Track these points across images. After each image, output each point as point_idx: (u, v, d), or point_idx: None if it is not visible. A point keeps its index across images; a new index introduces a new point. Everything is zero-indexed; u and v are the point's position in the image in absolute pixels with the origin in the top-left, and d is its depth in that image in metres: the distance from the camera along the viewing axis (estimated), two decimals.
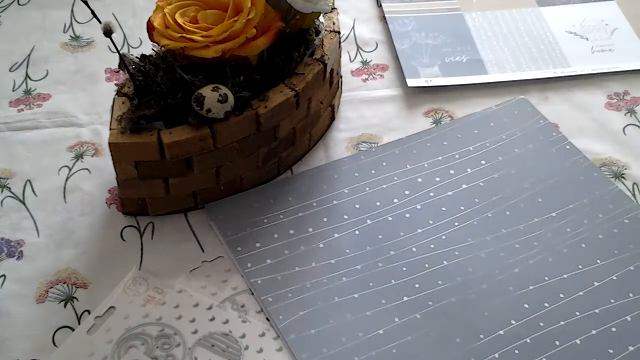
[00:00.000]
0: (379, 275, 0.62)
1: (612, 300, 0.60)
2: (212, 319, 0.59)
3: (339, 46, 0.73)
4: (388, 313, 0.59)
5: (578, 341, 0.57)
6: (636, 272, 0.62)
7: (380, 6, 0.90)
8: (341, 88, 0.78)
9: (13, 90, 0.78)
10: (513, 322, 0.59)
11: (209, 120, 0.61)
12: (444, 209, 0.67)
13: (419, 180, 0.69)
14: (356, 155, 0.72)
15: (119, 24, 0.86)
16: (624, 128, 0.75)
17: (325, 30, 0.70)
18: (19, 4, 0.89)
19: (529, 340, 0.57)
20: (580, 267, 0.62)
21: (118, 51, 0.61)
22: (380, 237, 0.64)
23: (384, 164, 0.71)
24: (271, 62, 0.65)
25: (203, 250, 0.64)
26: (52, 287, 0.61)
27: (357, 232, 0.65)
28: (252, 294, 0.61)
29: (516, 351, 0.57)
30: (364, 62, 0.83)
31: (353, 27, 0.88)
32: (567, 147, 0.72)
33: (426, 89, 0.79)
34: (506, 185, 0.69)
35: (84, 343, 0.57)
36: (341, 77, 0.78)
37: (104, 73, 0.81)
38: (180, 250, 0.64)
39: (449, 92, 0.79)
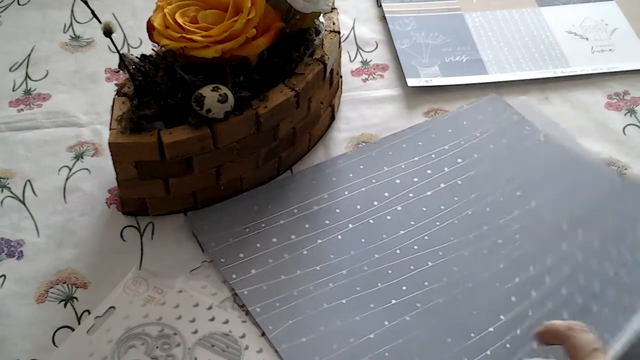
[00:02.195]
0: (365, 279, 0.61)
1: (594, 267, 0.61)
2: (212, 319, 0.59)
3: (339, 46, 0.73)
4: (377, 317, 0.59)
5: (565, 315, 0.58)
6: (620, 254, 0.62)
7: (380, 6, 0.90)
8: (341, 88, 0.78)
9: (13, 90, 0.78)
10: (502, 317, 0.59)
11: (209, 120, 0.61)
12: (424, 209, 0.67)
13: (397, 181, 0.69)
14: (334, 159, 0.71)
15: (119, 24, 0.86)
16: (624, 128, 0.75)
17: (325, 30, 0.70)
18: (19, 4, 0.89)
19: (519, 332, 0.58)
20: (563, 247, 0.63)
21: (118, 51, 0.61)
22: (363, 240, 0.64)
23: (361, 167, 0.70)
24: (271, 62, 0.65)
25: (203, 250, 0.64)
26: (52, 287, 0.61)
27: (340, 237, 0.64)
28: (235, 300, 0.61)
29: (507, 345, 0.57)
30: (364, 62, 0.83)
31: (353, 27, 0.88)
32: (541, 139, 0.72)
33: (426, 89, 0.79)
34: (484, 182, 0.69)
35: (84, 343, 0.57)
36: (341, 77, 0.78)
37: (104, 73, 0.81)
38: (180, 250, 0.64)
39: (449, 92, 0.79)
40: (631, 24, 0.86)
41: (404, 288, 0.61)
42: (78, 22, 0.87)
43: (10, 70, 0.81)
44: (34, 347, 0.57)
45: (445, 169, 0.70)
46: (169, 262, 0.63)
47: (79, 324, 0.59)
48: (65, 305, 0.60)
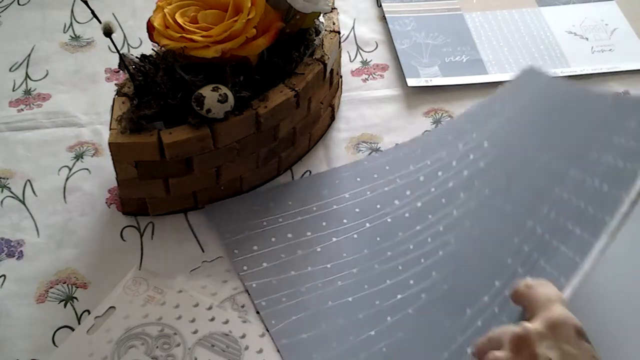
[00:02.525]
0: (374, 277, 0.61)
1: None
2: (212, 319, 0.59)
3: (339, 46, 0.73)
4: (381, 313, 0.59)
5: (557, 274, 0.56)
6: None
7: (380, 6, 0.90)
8: (341, 88, 0.78)
9: (13, 90, 0.78)
10: (497, 283, 0.58)
11: (209, 120, 0.61)
12: (443, 200, 0.66)
13: (421, 179, 0.69)
14: (359, 161, 0.71)
15: (119, 24, 0.86)
16: None
17: (325, 30, 0.70)
18: (19, 4, 0.89)
19: (507, 293, 0.57)
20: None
21: (118, 51, 0.61)
22: (378, 239, 0.64)
23: (387, 167, 0.70)
24: (271, 62, 0.65)
25: (203, 251, 0.64)
26: (52, 287, 0.61)
27: (355, 236, 0.65)
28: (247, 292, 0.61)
29: (496, 309, 0.56)
30: (364, 62, 0.83)
31: (353, 27, 0.88)
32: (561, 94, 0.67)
33: (426, 89, 0.79)
34: (506, 168, 0.66)
35: (84, 343, 0.57)
36: (341, 77, 0.78)
37: (104, 73, 0.81)
38: (180, 250, 0.64)
39: (449, 92, 0.79)
40: (631, 24, 0.86)
41: (411, 282, 0.61)
42: (78, 22, 0.87)
43: (10, 70, 0.81)
44: (34, 347, 0.57)
45: (471, 156, 0.69)
46: (169, 262, 0.63)
47: (79, 324, 0.59)
48: (65, 305, 0.60)
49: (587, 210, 0.56)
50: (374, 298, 0.60)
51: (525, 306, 0.48)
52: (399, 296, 0.60)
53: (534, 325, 0.45)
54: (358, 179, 0.70)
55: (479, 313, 0.57)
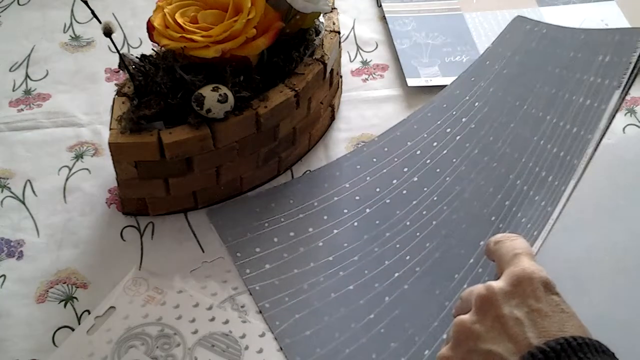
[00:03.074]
0: (374, 260, 0.62)
1: None
2: (212, 319, 0.59)
3: (339, 46, 0.73)
4: (380, 295, 0.60)
5: (530, 226, 0.56)
6: None
7: (380, 6, 0.90)
8: (341, 88, 0.78)
9: (13, 90, 0.78)
10: (482, 243, 0.58)
11: (209, 120, 0.61)
12: (438, 170, 0.66)
13: (418, 152, 0.69)
14: (358, 148, 0.72)
15: (119, 24, 0.86)
16: (624, 128, 0.75)
17: (325, 30, 0.70)
18: (19, 4, 0.89)
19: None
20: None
21: (118, 51, 0.61)
22: (377, 222, 0.65)
23: (386, 149, 0.71)
24: (271, 62, 0.65)
25: (203, 251, 0.64)
26: (52, 287, 0.61)
27: (355, 224, 0.65)
28: (251, 294, 0.61)
29: (479, 270, 0.57)
30: (364, 62, 0.83)
31: (353, 27, 0.87)
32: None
33: (426, 89, 0.79)
34: (498, 135, 0.66)
35: (84, 343, 0.57)
36: (341, 77, 0.78)
37: (104, 73, 0.81)
38: (180, 250, 0.64)
39: None
40: (631, 24, 0.86)
41: (407, 258, 0.61)
42: (78, 22, 0.87)
43: (10, 70, 0.81)
44: (34, 347, 0.57)
45: (463, 119, 0.69)
46: (169, 262, 0.63)
47: (79, 324, 0.59)
48: (65, 305, 0.60)
49: (559, 155, 0.55)
50: (374, 281, 0.60)
51: (496, 263, 0.47)
52: (396, 274, 0.61)
53: (498, 284, 0.43)
54: (358, 167, 0.70)
55: (465, 276, 0.57)
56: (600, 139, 0.51)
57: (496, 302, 0.42)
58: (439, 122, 0.71)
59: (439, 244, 0.61)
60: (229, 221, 0.65)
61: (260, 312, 0.60)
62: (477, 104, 0.70)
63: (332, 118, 0.76)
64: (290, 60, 0.66)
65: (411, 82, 0.79)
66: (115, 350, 0.57)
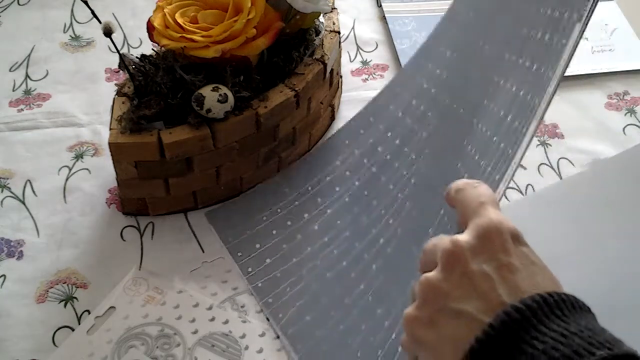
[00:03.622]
0: (362, 232, 0.62)
1: None
2: (212, 319, 0.59)
3: (339, 46, 0.73)
4: (367, 265, 0.60)
5: (501, 179, 0.52)
6: None
7: (380, 6, 0.90)
8: (341, 88, 0.78)
9: (13, 90, 0.78)
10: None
11: (209, 120, 0.61)
12: (415, 127, 0.65)
13: (399, 114, 0.68)
14: (347, 123, 0.72)
15: (119, 24, 0.86)
16: (624, 128, 0.75)
17: (325, 30, 0.70)
18: (19, 4, 0.89)
19: None
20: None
21: (118, 51, 0.61)
22: (365, 193, 0.65)
23: (372, 119, 0.70)
24: (271, 62, 0.65)
25: (203, 251, 0.64)
26: (52, 287, 0.61)
27: (346, 199, 0.65)
28: (252, 294, 0.61)
29: (446, 219, 0.54)
30: (364, 62, 0.83)
31: (353, 27, 0.88)
32: None
33: None
34: (462, 66, 0.64)
35: (84, 343, 0.57)
36: (341, 77, 0.78)
37: (104, 73, 0.81)
38: (180, 250, 0.64)
39: None
40: (631, 24, 0.86)
41: (390, 221, 0.61)
42: (78, 22, 0.87)
43: (10, 70, 0.81)
44: (34, 347, 0.57)
45: (437, 71, 0.66)
46: (169, 262, 0.63)
47: (79, 324, 0.59)
48: (65, 305, 0.60)
49: (518, 94, 0.52)
50: (363, 252, 0.61)
51: (458, 212, 0.43)
52: (381, 240, 0.61)
53: (464, 237, 0.40)
54: (347, 142, 0.70)
55: (438, 230, 0.54)
56: (561, 76, 0.48)
57: (463, 258, 0.39)
58: (421, 81, 0.68)
59: (415, 201, 0.61)
60: (228, 222, 0.65)
61: (262, 310, 0.60)
62: (448, 53, 0.66)
63: (332, 118, 0.76)
64: (290, 60, 0.66)
65: None
66: (115, 350, 0.57)
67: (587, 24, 0.49)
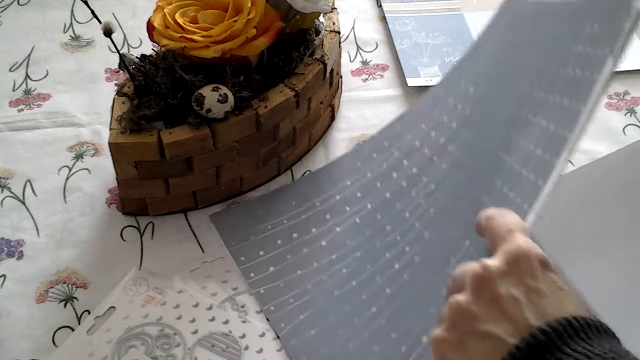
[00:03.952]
0: (375, 254, 0.61)
1: None
2: (212, 319, 0.59)
3: (339, 46, 0.73)
4: (381, 287, 0.59)
5: (529, 209, 0.54)
6: None
7: (380, 6, 0.90)
8: (341, 88, 0.78)
9: (13, 90, 0.78)
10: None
11: (209, 120, 0.61)
12: (435, 158, 0.65)
13: (417, 144, 0.68)
14: (358, 146, 0.72)
15: (119, 24, 0.86)
16: (624, 128, 0.76)
17: (325, 30, 0.70)
18: (19, 4, 0.89)
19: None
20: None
21: (118, 51, 0.61)
22: (378, 217, 0.64)
23: (386, 143, 0.70)
24: (271, 62, 0.65)
25: (203, 251, 0.64)
26: (52, 287, 0.61)
27: (357, 220, 0.65)
28: (252, 294, 0.61)
29: (472, 248, 0.54)
30: (364, 62, 0.83)
31: (353, 27, 0.88)
32: None
33: (426, 89, 0.79)
34: (485, 101, 0.64)
35: (84, 343, 0.57)
36: (341, 77, 0.78)
37: (104, 73, 0.81)
38: (180, 250, 0.64)
39: None
40: None
41: (407, 249, 0.61)
42: (78, 22, 0.87)
43: (10, 70, 0.81)
44: (34, 347, 0.57)
45: (458, 106, 0.67)
46: (169, 262, 0.63)
47: (79, 324, 0.59)
48: (65, 305, 0.60)
49: (549, 129, 0.53)
50: (375, 275, 0.60)
51: (488, 239, 0.45)
52: (396, 265, 0.60)
53: (494, 262, 0.41)
54: (358, 164, 0.70)
55: (461, 260, 0.54)
56: (593, 110, 0.49)
57: (492, 281, 0.41)
58: (437, 112, 0.69)
59: (436, 230, 0.60)
60: (232, 226, 0.65)
61: (262, 311, 0.59)
62: (471, 89, 0.67)
63: (332, 118, 0.76)
64: (290, 60, 0.66)
65: (411, 82, 0.79)
66: (115, 350, 0.57)
67: (619, 58, 0.49)
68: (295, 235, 0.64)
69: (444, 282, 0.55)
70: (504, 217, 0.45)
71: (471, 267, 0.42)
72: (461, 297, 0.42)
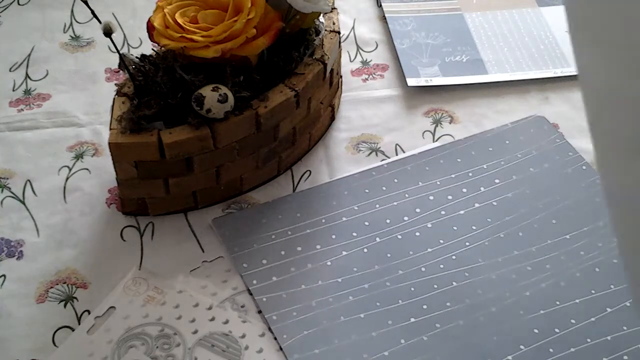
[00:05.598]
0: (386, 295, 0.60)
1: (625, 328, 0.58)
2: (212, 319, 0.59)
3: (339, 46, 0.73)
4: (394, 334, 0.58)
5: None
6: None
7: (380, 6, 0.90)
8: (341, 88, 0.78)
9: (13, 90, 0.78)
10: (522, 347, 0.57)
11: (209, 120, 0.61)
12: (455, 228, 0.65)
13: (431, 198, 0.68)
14: (367, 171, 0.71)
15: (119, 24, 0.86)
16: None
17: (325, 30, 0.70)
18: (19, 4, 0.89)
19: None
20: (593, 292, 0.61)
21: (118, 51, 0.61)
22: (389, 255, 0.63)
23: (396, 180, 0.69)
24: (271, 62, 0.65)
25: (203, 251, 0.64)
26: (52, 287, 0.61)
27: (365, 250, 0.64)
28: (251, 294, 0.61)
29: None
30: (364, 62, 0.83)
31: (353, 27, 0.88)
32: (584, 167, 0.70)
33: (426, 89, 0.79)
34: (520, 205, 0.67)
35: (84, 343, 0.57)
36: (341, 77, 0.78)
37: (104, 73, 0.81)
38: (180, 250, 0.64)
39: (449, 92, 0.79)
40: None
41: (424, 307, 0.60)
42: (78, 22, 0.87)
43: (10, 70, 0.81)
44: (34, 347, 0.57)
45: (482, 188, 0.68)
46: (169, 262, 0.63)
47: (79, 324, 0.59)
48: (65, 305, 0.60)
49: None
50: (387, 317, 0.59)
51: None
52: (412, 319, 0.59)
53: None
54: (367, 191, 0.69)
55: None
56: None
57: None
58: (452, 176, 0.70)
59: (462, 311, 0.59)
60: (235, 231, 0.65)
61: (261, 311, 0.59)
62: (497, 181, 0.69)
63: (332, 118, 0.76)
64: (290, 60, 0.66)
65: (411, 82, 0.79)
66: (115, 350, 0.57)
67: None
68: (299, 248, 0.64)
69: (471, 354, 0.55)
70: None
71: None
72: None
